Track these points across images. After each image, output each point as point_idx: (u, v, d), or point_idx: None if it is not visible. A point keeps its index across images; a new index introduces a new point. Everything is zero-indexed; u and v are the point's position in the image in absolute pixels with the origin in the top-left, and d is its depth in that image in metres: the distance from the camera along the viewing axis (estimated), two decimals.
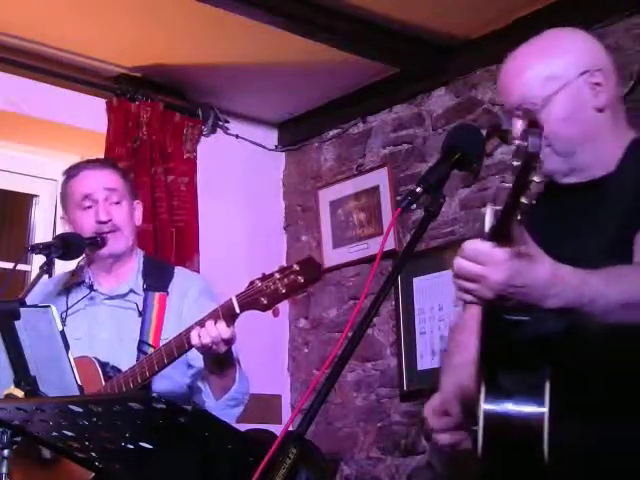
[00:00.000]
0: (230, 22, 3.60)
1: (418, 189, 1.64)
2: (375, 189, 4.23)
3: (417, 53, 3.95)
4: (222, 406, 2.51)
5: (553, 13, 3.55)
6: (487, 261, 1.45)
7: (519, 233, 1.44)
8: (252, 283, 2.31)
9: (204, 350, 2.34)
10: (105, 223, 2.67)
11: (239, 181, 4.56)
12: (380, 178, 4.22)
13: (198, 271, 4.05)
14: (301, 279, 2.26)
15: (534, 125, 1.45)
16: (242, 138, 4.55)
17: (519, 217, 1.40)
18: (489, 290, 1.46)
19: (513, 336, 1.60)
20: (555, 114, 1.80)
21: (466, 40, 3.86)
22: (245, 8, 3.51)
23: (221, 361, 2.43)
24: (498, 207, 1.42)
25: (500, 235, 1.44)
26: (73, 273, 2.84)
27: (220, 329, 2.30)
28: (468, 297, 1.50)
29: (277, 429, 3.81)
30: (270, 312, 2.32)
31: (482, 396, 1.59)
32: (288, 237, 4.68)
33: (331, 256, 4.38)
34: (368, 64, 4.02)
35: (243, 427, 3.53)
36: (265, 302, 2.29)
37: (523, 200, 1.38)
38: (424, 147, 4.11)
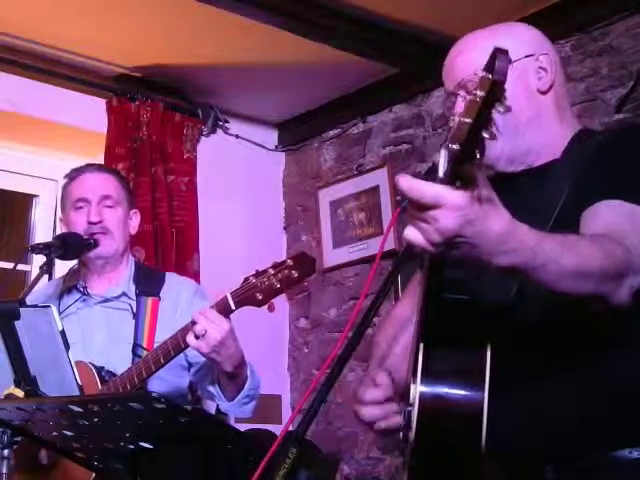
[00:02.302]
0: (230, 22, 3.60)
1: None
2: (375, 189, 4.23)
3: (417, 53, 3.95)
4: (237, 405, 2.53)
5: (554, 13, 3.55)
6: (441, 204, 1.27)
7: (479, 175, 1.27)
8: (246, 279, 2.33)
9: (199, 343, 2.32)
10: (95, 224, 2.68)
11: (239, 181, 4.56)
12: (380, 178, 4.22)
13: (198, 271, 4.06)
14: (295, 274, 2.28)
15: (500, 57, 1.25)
16: (242, 138, 4.55)
17: (479, 157, 1.25)
18: (438, 234, 1.30)
19: (451, 316, 1.55)
20: None
21: None
22: (245, 8, 3.51)
23: (233, 361, 2.40)
24: (455, 146, 1.22)
25: (458, 177, 1.26)
26: (64, 279, 2.84)
27: (213, 317, 2.30)
28: (418, 239, 1.32)
29: (277, 429, 3.81)
30: (266, 307, 2.33)
31: (418, 377, 1.52)
32: (288, 237, 4.68)
33: (331, 256, 4.38)
34: (368, 64, 4.02)
35: (243, 427, 3.54)
36: (260, 298, 2.30)
37: (485, 135, 1.22)
38: (424, 147, 4.11)
